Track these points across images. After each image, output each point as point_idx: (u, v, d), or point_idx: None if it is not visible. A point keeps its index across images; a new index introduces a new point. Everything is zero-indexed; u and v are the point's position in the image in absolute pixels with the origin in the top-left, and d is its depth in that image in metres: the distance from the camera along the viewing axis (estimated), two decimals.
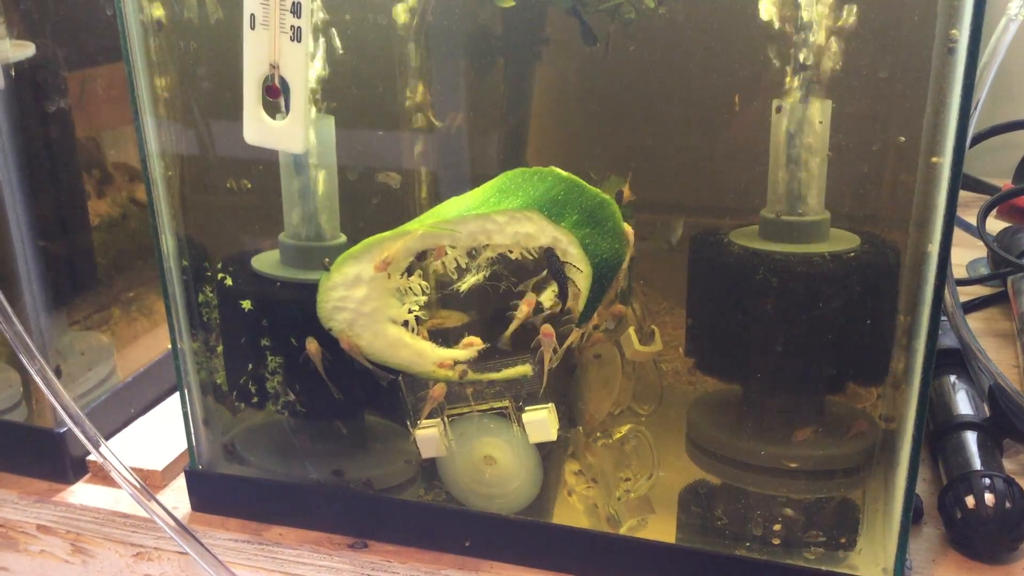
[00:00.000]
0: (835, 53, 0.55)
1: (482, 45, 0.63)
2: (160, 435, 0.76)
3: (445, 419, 0.62)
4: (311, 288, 0.59)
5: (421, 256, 0.57)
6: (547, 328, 0.58)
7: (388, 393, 0.61)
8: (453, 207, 0.57)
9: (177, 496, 0.70)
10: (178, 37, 0.62)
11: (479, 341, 0.59)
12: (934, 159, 0.50)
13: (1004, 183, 1.17)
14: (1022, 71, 1.26)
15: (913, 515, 0.56)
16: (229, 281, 0.64)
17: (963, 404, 0.70)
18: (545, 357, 0.58)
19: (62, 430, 0.71)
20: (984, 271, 1.02)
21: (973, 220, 0.97)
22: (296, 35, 0.54)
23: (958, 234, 1.06)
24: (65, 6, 0.74)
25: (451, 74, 0.64)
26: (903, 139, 0.54)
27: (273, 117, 0.57)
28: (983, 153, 1.13)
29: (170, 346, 0.67)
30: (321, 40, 0.60)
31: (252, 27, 0.54)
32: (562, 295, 0.56)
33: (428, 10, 0.61)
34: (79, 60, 0.76)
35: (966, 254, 1.07)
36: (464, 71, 0.64)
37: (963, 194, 1.20)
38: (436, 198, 0.64)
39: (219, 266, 0.64)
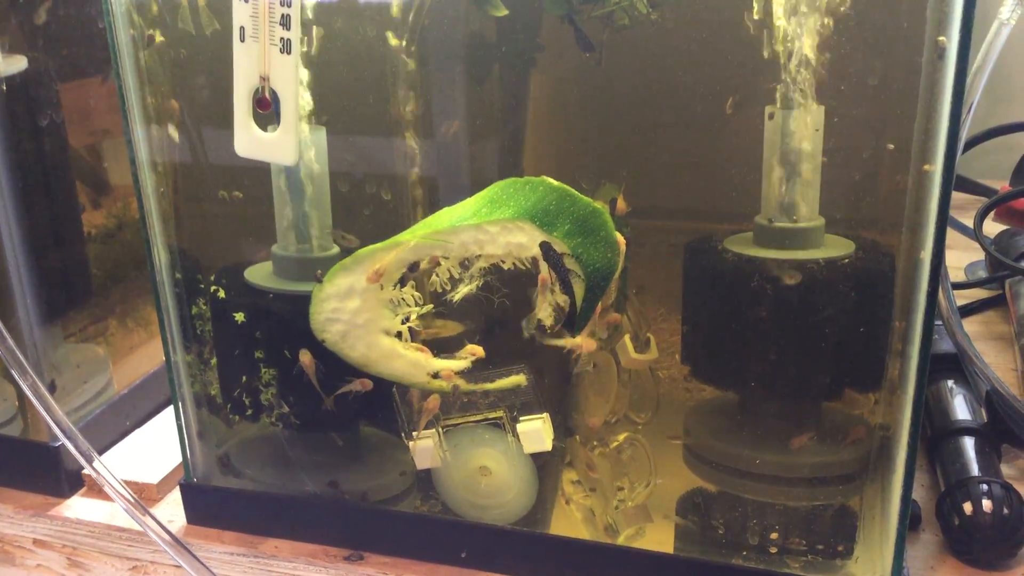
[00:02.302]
0: (827, 59, 0.55)
1: (476, 53, 0.63)
2: (156, 447, 0.76)
3: (440, 430, 0.61)
4: (304, 300, 0.59)
5: (414, 267, 0.57)
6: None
7: (383, 404, 0.61)
8: (445, 218, 0.56)
9: (173, 509, 0.70)
10: (168, 47, 0.62)
11: (480, 351, 0.59)
12: (926, 167, 0.50)
13: (1001, 185, 1.17)
14: (1018, 73, 1.26)
15: (911, 522, 0.56)
16: (222, 293, 0.64)
17: (960, 409, 0.70)
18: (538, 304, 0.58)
19: (57, 444, 0.71)
20: (982, 274, 1.02)
21: (970, 222, 0.97)
22: (286, 47, 0.54)
23: (956, 237, 1.06)
24: (57, 19, 0.74)
25: (445, 82, 0.64)
26: (891, 146, 0.54)
27: (264, 129, 0.57)
28: (980, 155, 1.13)
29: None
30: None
31: (242, 40, 0.54)
32: (566, 288, 0.55)
33: (422, 17, 0.61)
34: (71, 72, 0.76)
35: (964, 257, 1.06)
36: (458, 79, 0.64)
37: (960, 196, 1.21)
38: (429, 208, 0.64)
39: (212, 278, 0.64)
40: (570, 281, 0.55)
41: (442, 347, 0.60)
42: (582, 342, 0.59)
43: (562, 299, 0.56)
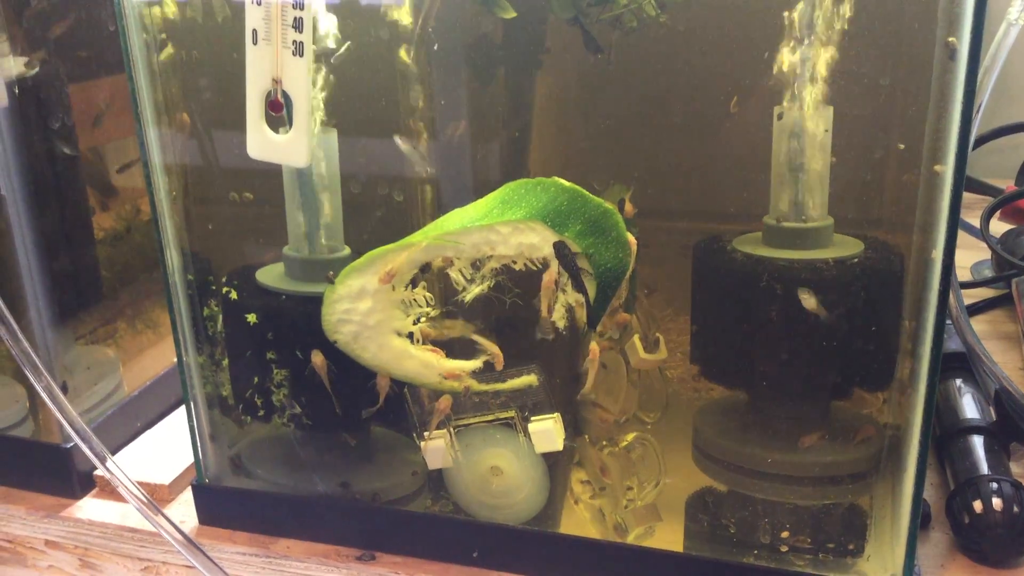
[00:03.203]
0: (837, 60, 0.55)
1: (484, 54, 0.63)
2: (167, 448, 0.76)
3: (451, 430, 0.62)
4: (316, 301, 0.59)
5: (425, 268, 0.58)
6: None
7: (394, 405, 0.61)
8: (456, 219, 0.57)
9: (185, 510, 0.70)
10: (181, 48, 0.62)
11: (498, 352, 0.59)
12: (936, 167, 0.50)
13: (1008, 185, 1.17)
14: None
15: (921, 520, 0.56)
16: (234, 295, 0.64)
17: (969, 408, 0.70)
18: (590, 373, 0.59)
19: (69, 445, 0.71)
20: (988, 273, 1.02)
21: (977, 222, 0.97)
22: (298, 50, 0.54)
23: (962, 236, 1.06)
24: (68, 22, 0.75)
25: (453, 84, 0.64)
26: (902, 146, 0.54)
27: (276, 131, 0.57)
28: (986, 155, 1.13)
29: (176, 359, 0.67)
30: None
31: (254, 42, 0.55)
32: (578, 286, 0.56)
33: (430, 20, 0.61)
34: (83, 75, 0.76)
35: (970, 256, 1.07)
36: (466, 81, 0.64)
37: (967, 196, 1.20)
38: (440, 209, 0.64)
39: (224, 280, 0.65)
40: (583, 280, 0.56)
41: (455, 347, 0.60)
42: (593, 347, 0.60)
43: (574, 299, 0.56)
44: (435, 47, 0.62)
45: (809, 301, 0.55)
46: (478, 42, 0.63)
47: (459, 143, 0.64)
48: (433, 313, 0.59)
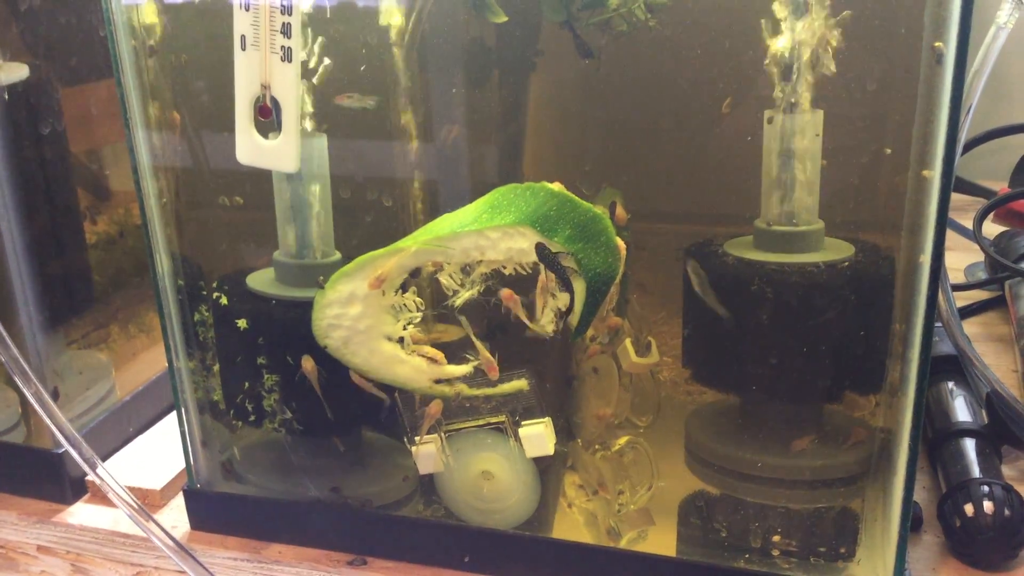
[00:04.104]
0: (826, 64, 0.55)
1: (476, 58, 0.63)
2: (159, 453, 0.76)
3: (442, 435, 0.62)
4: (306, 306, 0.59)
5: (415, 273, 0.57)
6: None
7: (385, 410, 0.61)
8: (446, 224, 0.57)
9: (176, 515, 0.70)
10: (170, 53, 0.62)
11: (492, 360, 0.59)
12: (924, 172, 0.50)
13: (1001, 187, 1.17)
14: (1016, 74, 1.26)
15: (912, 523, 0.56)
16: (224, 300, 0.64)
17: (961, 411, 0.70)
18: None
19: (60, 450, 0.71)
20: (982, 275, 1.02)
21: (970, 224, 0.97)
22: (287, 55, 0.54)
23: (955, 238, 1.07)
24: (59, 27, 0.74)
25: (445, 88, 0.64)
26: (889, 151, 0.54)
27: (266, 136, 0.57)
28: (979, 157, 1.13)
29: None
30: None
31: (243, 48, 0.55)
32: (565, 286, 0.56)
33: (422, 22, 0.61)
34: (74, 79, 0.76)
35: (963, 258, 1.07)
36: (458, 84, 0.64)
37: (960, 198, 1.21)
38: (431, 213, 0.64)
39: (214, 285, 0.65)
40: (569, 279, 0.55)
41: (447, 352, 0.60)
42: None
43: (563, 302, 0.56)
44: (427, 51, 0.62)
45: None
46: (471, 46, 0.63)
47: (451, 147, 0.64)
48: (418, 319, 0.59)
